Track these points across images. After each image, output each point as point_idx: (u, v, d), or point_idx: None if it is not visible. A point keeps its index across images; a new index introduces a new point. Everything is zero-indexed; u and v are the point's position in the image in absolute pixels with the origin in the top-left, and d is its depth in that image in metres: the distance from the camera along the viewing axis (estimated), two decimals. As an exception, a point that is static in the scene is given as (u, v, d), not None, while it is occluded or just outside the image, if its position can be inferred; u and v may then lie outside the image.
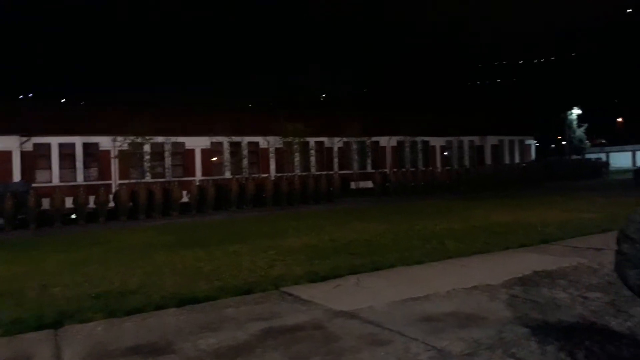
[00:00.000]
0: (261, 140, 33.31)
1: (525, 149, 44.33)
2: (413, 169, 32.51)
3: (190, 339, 4.58)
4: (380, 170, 32.09)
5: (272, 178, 26.31)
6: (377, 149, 37.25)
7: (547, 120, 57.44)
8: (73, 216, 18.36)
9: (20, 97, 38.99)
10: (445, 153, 40.20)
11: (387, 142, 37.64)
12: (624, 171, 40.64)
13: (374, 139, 36.14)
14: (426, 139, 38.47)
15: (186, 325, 5.01)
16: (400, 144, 37.78)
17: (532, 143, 46.29)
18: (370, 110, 42.31)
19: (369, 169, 35.01)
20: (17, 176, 26.53)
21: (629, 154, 55.34)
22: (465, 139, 40.79)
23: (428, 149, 39.15)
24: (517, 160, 42.12)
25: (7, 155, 27.02)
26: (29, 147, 27.80)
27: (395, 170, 31.85)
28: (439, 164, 38.74)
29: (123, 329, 5.01)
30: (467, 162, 39.37)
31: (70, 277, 7.56)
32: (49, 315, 5.45)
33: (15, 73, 66.32)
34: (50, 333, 4.95)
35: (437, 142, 39.70)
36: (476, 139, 41.30)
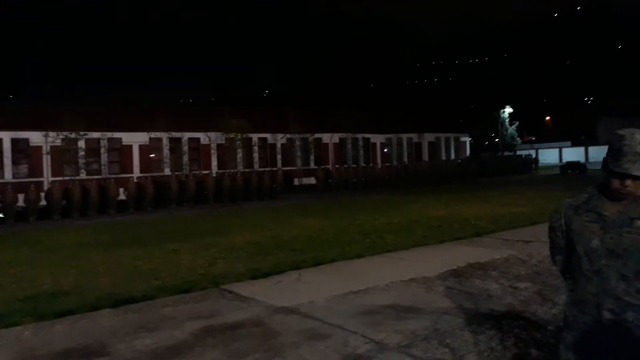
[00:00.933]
0: (202, 136, 32.68)
1: (460, 146, 46.07)
2: (355, 166, 32.93)
3: (126, 340, 4.46)
4: (323, 167, 32.27)
5: (214, 175, 25.85)
6: (320, 145, 37.48)
7: (481, 118, 59.91)
8: (1, 215, 17.29)
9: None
10: (385, 150, 41.03)
11: (329, 138, 37.94)
12: (552, 167, 43.02)
13: (317, 135, 36.34)
14: (367, 136, 39.09)
15: (122, 326, 4.86)
16: (342, 140, 38.18)
17: (467, 140, 48.22)
18: (313, 107, 42.61)
19: (312, 166, 35.16)
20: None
21: (556, 150, 58.54)
22: (404, 136, 41.78)
23: (369, 146, 39.81)
24: (452, 156, 43.65)
25: None
26: (-49, 143, 25.96)
27: (337, 166, 32.14)
28: (379, 160, 39.50)
29: (53, 332, 4.80)
30: (405, 159, 40.38)
31: (-4, 279, 7.14)
32: (-29, 321, 5.14)
33: None
34: (-29, 339, 4.66)
35: (377, 139, 40.45)
36: (414, 136, 42.41)
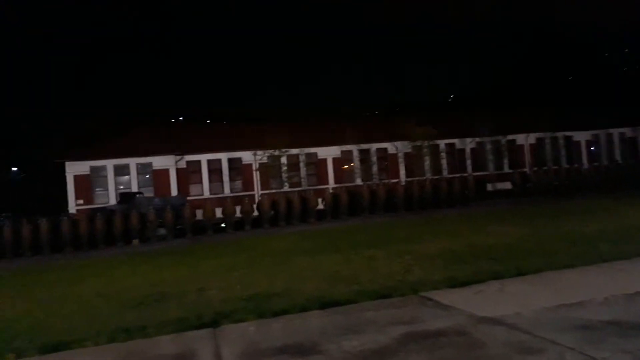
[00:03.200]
0: (389, 146, 33.34)
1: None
2: (555, 167, 30.10)
3: (335, 341, 4.75)
4: (519, 170, 30.24)
5: (403, 183, 26.15)
6: (514, 147, 35.20)
7: None
8: (222, 225, 20.04)
9: (173, 120, 43.43)
10: (592, 148, 36.67)
11: (524, 139, 35.41)
12: None
13: (510, 137, 34.23)
14: (569, 133, 35.51)
15: (330, 327, 5.20)
16: (539, 140, 35.32)
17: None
18: (504, 107, 40.07)
19: (506, 169, 33.19)
20: (174, 190, 29.65)
21: None
22: (615, 131, 36.85)
23: (571, 145, 36.07)
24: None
25: (165, 172, 30.35)
26: (182, 164, 30.94)
27: (535, 169, 29.78)
28: (584, 160, 35.47)
29: (272, 329, 5.35)
30: (618, 157, 35.52)
31: (223, 280, 8.25)
32: (207, 316, 6.00)
33: (167, 99, 74.23)
34: (209, 332, 5.45)
35: (581, 136, 36.45)
36: (627, 131, 37.10)
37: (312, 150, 31.91)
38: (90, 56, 76.80)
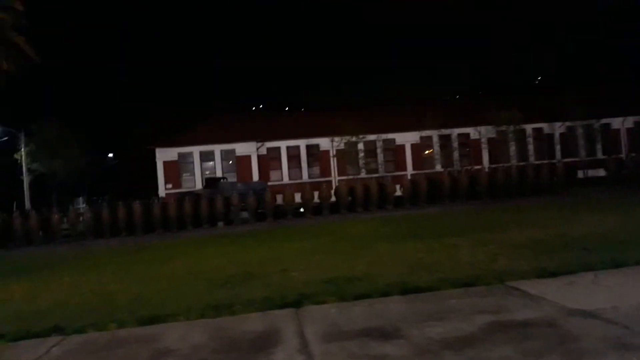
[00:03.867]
0: (472, 131, 32.27)
1: None
2: (657, 153, 27.70)
3: (417, 327, 4.72)
4: (613, 156, 28.18)
5: (486, 170, 25.24)
6: (609, 131, 32.81)
7: None
8: (301, 210, 20.45)
9: (254, 108, 44.66)
10: None
11: (620, 123, 32.88)
12: None
13: (604, 121, 31.92)
14: (674, 116, 32.55)
15: (411, 313, 5.17)
16: (637, 124, 32.65)
17: None
18: (596, 88, 37.12)
19: (599, 155, 31.06)
20: (255, 176, 30.63)
21: None
22: None
23: (677, 129, 33.07)
24: None
25: (247, 159, 31.41)
26: (263, 151, 31.84)
27: (633, 155, 27.61)
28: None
29: (353, 312, 5.40)
30: None
31: (304, 263, 8.43)
32: (290, 296, 6.18)
33: (249, 88, 76.35)
34: (292, 311, 5.61)
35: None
36: None
37: (390, 136, 31.58)
38: (178, 49, 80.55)
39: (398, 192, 21.07)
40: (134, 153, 44.94)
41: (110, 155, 56.97)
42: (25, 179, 39.66)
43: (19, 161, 40.24)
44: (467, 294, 5.79)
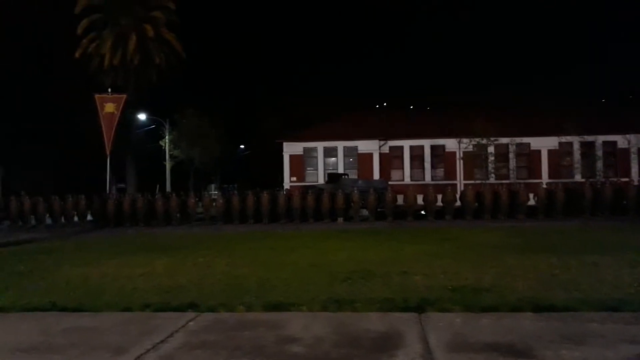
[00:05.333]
0: (619, 139, 29.16)
1: None
2: None
3: (552, 348, 4.35)
4: None
5: (635, 183, 22.61)
6: None
7: None
8: (422, 212, 19.97)
9: (377, 106, 44.65)
10: None
11: None
12: None
13: None
14: None
15: (545, 333, 4.78)
16: None
17: None
18: None
19: None
20: (376, 174, 30.63)
21: None
22: None
23: None
24: None
25: (369, 156, 31.51)
26: (385, 149, 31.70)
27: None
28: None
29: (480, 325, 5.13)
30: None
31: (426, 267, 8.20)
32: (412, 300, 6.03)
33: (372, 85, 76.56)
34: (414, 316, 5.47)
35: None
36: None
37: (525, 140, 29.64)
38: (304, 49, 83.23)
39: (531, 202, 19.66)
40: (263, 145, 47.35)
41: (242, 146, 60.61)
42: (168, 165, 43.71)
43: (163, 148, 44.47)
44: (610, 318, 5.21)
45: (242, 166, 59.71)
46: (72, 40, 31.89)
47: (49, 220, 21.77)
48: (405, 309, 5.73)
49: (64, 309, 6.10)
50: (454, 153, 30.62)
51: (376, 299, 6.09)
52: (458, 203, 20.21)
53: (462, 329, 5.01)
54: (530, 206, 19.55)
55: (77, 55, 31.44)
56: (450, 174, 30.58)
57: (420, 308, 5.72)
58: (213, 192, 44.04)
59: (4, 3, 33.04)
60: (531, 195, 19.67)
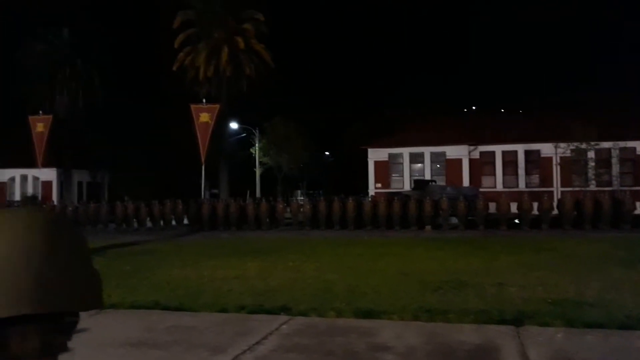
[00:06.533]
0: None
1: None
2: None
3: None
4: None
5: None
6: None
7: None
8: (516, 221, 19.03)
9: (466, 110, 43.23)
10: None
11: None
12: None
13: None
14: None
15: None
16: None
17: None
18: None
19: None
20: (465, 181, 29.66)
21: None
22: None
23: None
24: None
25: (458, 162, 30.60)
26: (476, 155, 30.63)
27: None
28: None
29: (584, 342, 4.82)
30: None
31: (523, 279, 7.83)
32: (509, 312, 5.79)
33: (460, 89, 74.37)
34: (511, 329, 5.24)
35: None
36: None
37: (630, 144, 27.36)
38: (390, 53, 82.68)
39: (638, 211, 18.09)
40: (348, 152, 47.59)
41: (327, 153, 61.34)
42: (257, 171, 45.26)
43: (253, 155, 46.12)
44: None
45: (327, 172, 60.39)
46: (170, 53, 34.03)
47: (149, 224, 23.31)
48: (502, 321, 5.51)
49: (166, 308, 6.51)
50: (550, 158, 28.92)
51: (470, 310, 5.91)
52: (555, 211, 19.06)
53: (564, 345, 4.74)
54: (638, 215, 17.99)
55: (174, 68, 33.47)
56: (546, 180, 28.89)
57: (517, 321, 5.48)
58: (299, 198, 44.98)
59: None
60: (638, 204, 18.11)
